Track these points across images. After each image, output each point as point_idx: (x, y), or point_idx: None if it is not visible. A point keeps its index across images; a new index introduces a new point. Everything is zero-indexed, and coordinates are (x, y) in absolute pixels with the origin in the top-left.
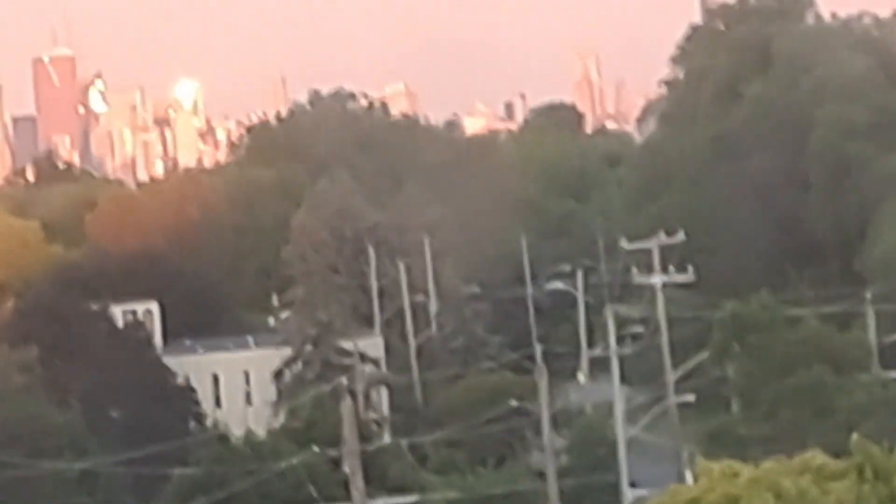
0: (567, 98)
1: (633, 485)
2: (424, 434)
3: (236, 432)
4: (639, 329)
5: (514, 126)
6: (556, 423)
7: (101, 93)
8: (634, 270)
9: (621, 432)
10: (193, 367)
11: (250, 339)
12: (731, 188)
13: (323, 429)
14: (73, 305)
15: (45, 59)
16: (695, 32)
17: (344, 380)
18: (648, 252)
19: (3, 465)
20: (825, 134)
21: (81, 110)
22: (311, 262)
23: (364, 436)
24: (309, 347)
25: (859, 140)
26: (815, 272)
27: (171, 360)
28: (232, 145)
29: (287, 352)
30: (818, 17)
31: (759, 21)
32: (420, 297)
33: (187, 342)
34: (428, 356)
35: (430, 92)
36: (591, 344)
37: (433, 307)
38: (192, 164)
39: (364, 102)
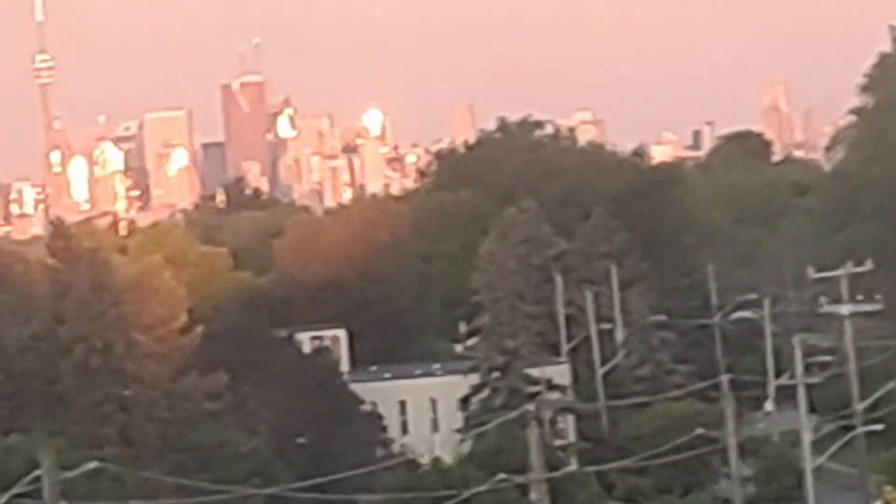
0: (755, 126)
1: None
2: (611, 462)
3: (423, 459)
4: (826, 358)
5: (701, 154)
6: (743, 451)
7: (290, 119)
8: (822, 299)
9: (808, 461)
10: (380, 393)
11: (437, 365)
12: None
13: (510, 456)
14: (260, 332)
15: (235, 86)
16: (883, 60)
17: (531, 407)
18: (837, 281)
19: (193, 490)
20: None
21: (270, 137)
22: (499, 289)
23: (551, 463)
24: (496, 374)
25: None
26: None
27: (358, 387)
28: (420, 172)
29: (474, 379)
30: None
31: None
32: (607, 325)
33: (374, 368)
34: (614, 384)
35: (617, 120)
36: (778, 373)
37: (620, 335)
38: (380, 190)
39: (551, 130)
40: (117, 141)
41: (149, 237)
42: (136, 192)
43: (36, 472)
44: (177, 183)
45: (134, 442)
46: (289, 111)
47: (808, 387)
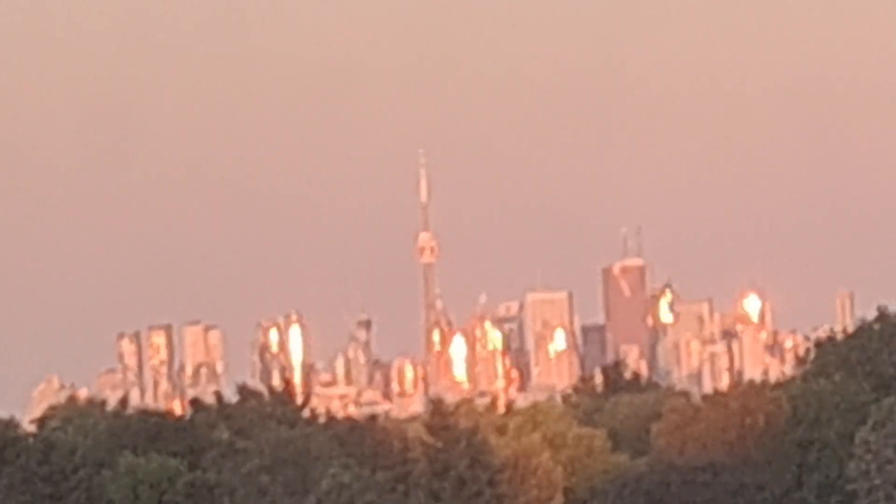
0: None
1: None
2: None
3: None
4: None
5: None
6: None
7: (670, 304)
8: None
9: None
10: None
11: None
12: None
13: None
14: None
15: (616, 269)
16: None
17: None
18: None
19: None
20: None
21: (650, 321)
22: (875, 478)
23: None
24: None
25: None
26: None
27: None
28: (798, 359)
29: None
30: None
31: None
32: None
33: None
34: None
35: None
36: None
37: None
38: (758, 377)
39: None
40: (498, 321)
41: (527, 418)
42: (515, 373)
43: None
44: (556, 364)
45: None
46: (669, 296)
47: None
